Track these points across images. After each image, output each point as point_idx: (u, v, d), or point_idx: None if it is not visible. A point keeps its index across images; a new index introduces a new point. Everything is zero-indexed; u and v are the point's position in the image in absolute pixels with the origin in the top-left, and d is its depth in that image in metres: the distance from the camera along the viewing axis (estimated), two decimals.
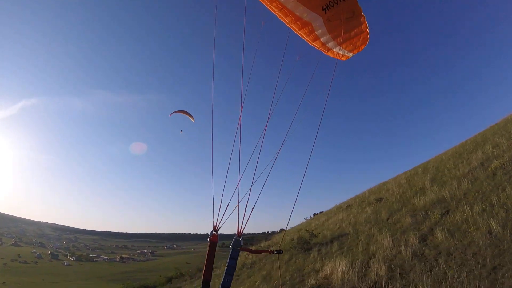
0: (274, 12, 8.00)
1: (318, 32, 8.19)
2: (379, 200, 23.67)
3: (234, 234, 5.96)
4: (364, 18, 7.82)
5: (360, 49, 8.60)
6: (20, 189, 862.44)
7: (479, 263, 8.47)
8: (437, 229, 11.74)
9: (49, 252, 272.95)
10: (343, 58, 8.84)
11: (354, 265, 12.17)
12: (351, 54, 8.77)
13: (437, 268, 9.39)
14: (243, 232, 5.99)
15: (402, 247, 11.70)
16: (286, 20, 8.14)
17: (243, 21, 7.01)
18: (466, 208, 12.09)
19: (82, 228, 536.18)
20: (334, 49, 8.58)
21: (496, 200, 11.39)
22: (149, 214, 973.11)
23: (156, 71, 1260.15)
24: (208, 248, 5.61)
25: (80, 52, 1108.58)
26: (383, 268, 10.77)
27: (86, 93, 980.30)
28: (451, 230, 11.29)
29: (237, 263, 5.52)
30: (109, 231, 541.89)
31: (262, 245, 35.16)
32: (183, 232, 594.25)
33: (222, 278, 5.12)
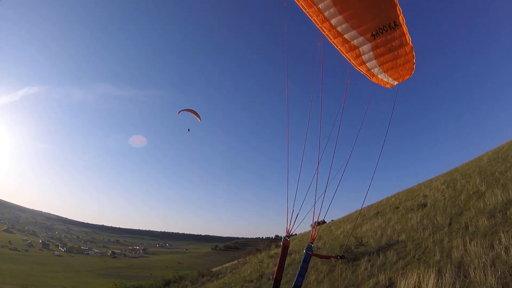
0: (323, 33, 8.22)
1: (365, 57, 8.35)
2: (423, 205, 22.12)
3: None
4: (412, 48, 7.87)
5: (405, 78, 8.72)
6: (16, 175, 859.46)
7: None
8: None
9: (40, 241, 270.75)
10: (387, 86, 9.05)
11: (444, 277, 10.01)
12: (396, 82, 8.91)
13: None
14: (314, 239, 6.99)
15: (498, 250, 10.01)
16: (335, 42, 8.32)
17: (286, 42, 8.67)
18: None
19: (75, 219, 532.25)
20: (379, 76, 8.82)
21: None
22: (143, 211, 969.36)
23: (159, 68, 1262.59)
24: (281, 251, 6.64)
25: (85, 43, 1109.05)
26: (491, 274, 8.83)
27: (88, 84, 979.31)
28: None
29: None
30: (103, 225, 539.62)
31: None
32: (176, 232, 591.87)
33: (295, 278, 6.28)
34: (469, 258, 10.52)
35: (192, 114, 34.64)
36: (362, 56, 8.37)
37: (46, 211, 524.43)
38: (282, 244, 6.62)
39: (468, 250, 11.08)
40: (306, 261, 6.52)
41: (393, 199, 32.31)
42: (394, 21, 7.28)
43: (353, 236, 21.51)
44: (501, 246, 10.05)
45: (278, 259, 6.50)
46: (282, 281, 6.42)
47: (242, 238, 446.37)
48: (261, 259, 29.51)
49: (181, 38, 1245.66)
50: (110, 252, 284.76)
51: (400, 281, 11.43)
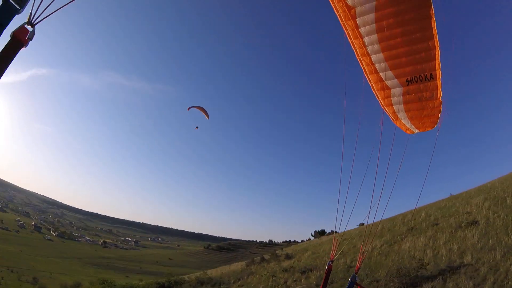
0: (361, 65, 8.46)
1: (394, 99, 8.51)
2: (472, 223, 19.85)
3: None
4: (440, 103, 7.88)
5: (427, 130, 8.89)
6: (15, 155, 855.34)
7: None
8: None
9: (33, 223, 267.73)
10: (408, 132, 9.38)
11: None
12: (417, 131, 9.13)
13: None
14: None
15: None
16: (370, 77, 8.55)
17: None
18: None
19: (70, 205, 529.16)
20: (403, 121, 9.04)
21: None
22: (138, 203, 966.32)
23: (169, 63, 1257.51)
24: (324, 274, 7.60)
25: (97, 30, 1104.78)
26: None
27: (96, 72, 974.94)
28: None
29: None
30: (97, 213, 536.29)
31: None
32: (170, 227, 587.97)
33: None
34: None
35: (201, 112, 34.31)
36: (392, 98, 8.50)
37: (42, 194, 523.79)
38: (327, 268, 7.47)
39: None
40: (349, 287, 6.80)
41: (423, 214, 28.50)
42: (431, 74, 7.39)
43: (411, 257, 18.11)
44: None
45: (322, 282, 7.22)
46: None
47: (235, 239, 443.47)
48: (272, 272, 25.61)
49: (194, 37, 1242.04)
50: (102, 241, 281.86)
51: None
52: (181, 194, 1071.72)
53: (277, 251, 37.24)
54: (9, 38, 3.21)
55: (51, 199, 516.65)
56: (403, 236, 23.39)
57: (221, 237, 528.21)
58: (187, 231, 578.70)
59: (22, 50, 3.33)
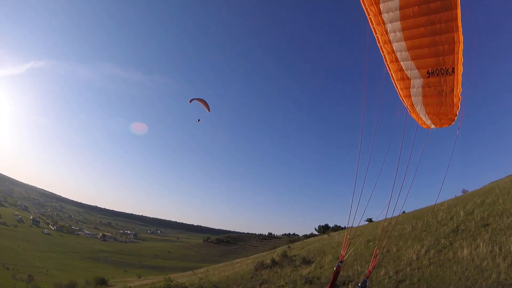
0: (382, 53, 8.24)
1: (413, 91, 8.29)
2: None
3: None
4: (459, 100, 7.63)
5: (443, 126, 8.57)
6: (13, 148, 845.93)
7: None
8: None
9: (31, 217, 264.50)
10: (424, 126, 9.00)
11: None
12: (433, 126, 8.81)
13: None
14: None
15: None
16: (390, 66, 8.33)
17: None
18: None
19: (69, 198, 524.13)
20: (420, 114, 8.71)
21: None
22: (138, 195, 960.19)
23: (168, 54, 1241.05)
24: (332, 276, 7.05)
25: (95, 20, 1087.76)
26: None
27: (94, 63, 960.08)
28: None
29: None
30: (96, 206, 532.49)
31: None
32: (169, 219, 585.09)
33: None
34: None
35: (202, 104, 33.97)
36: (411, 89, 8.28)
37: (41, 187, 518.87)
38: (335, 269, 6.97)
39: None
40: None
41: (460, 212, 24.30)
42: (453, 68, 7.18)
43: (480, 268, 14.47)
44: None
45: (329, 284, 6.88)
46: None
47: (234, 232, 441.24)
48: (291, 283, 21.43)
49: (194, 26, 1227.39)
50: (101, 234, 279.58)
51: None
52: (181, 186, 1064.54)
53: (287, 252, 33.06)
54: None
55: (50, 192, 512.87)
56: (450, 239, 19.26)
57: (220, 229, 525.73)
58: (186, 224, 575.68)
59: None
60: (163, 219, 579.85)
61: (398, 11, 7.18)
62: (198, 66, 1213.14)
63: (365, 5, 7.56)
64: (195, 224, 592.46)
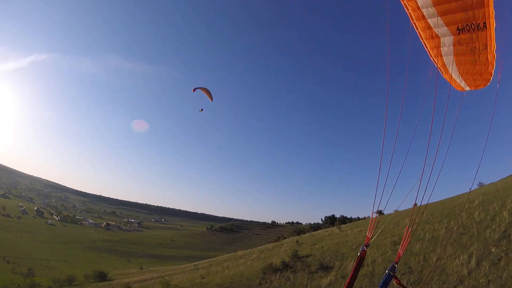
0: (407, 11, 7.52)
1: (443, 50, 7.65)
2: None
3: None
4: (494, 57, 6.91)
5: (478, 88, 7.96)
6: (18, 142, 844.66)
7: None
8: None
9: (35, 208, 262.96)
10: (458, 88, 8.40)
11: None
12: (467, 88, 8.20)
13: None
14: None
15: None
16: (417, 24, 7.65)
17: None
18: None
19: (73, 188, 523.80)
20: (453, 75, 8.08)
21: None
22: (142, 184, 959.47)
23: (172, 44, 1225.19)
24: (356, 263, 5.93)
25: (97, 12, 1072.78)
26: None
27: (98, 55, 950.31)
28: None
29: None
30: (100, 195, 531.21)
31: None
32: (173, 207, 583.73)
33: None
34: None
35: (205, 93, 33.44)
36: (441, 48, 7.56)
37: (46, 178, 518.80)
38: (359, 254, 6.04)
39: None
40: (386, 283, 5.67)
41: (504, 213, 20.18)
42: (484, 22, 6.48)
43: None
44: None
45: (351, 272, 5.85)
46: None
47: (238, 219, 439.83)
48: None
49: (197, 17, 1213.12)
50: (105, 223, 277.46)
51: None
52: (184, 174, 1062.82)
53: (298, 252, 29.07)
54: None
55: (55, 183, 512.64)
56: (504, 248, 15.36)
57: (224, 217, 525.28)
58: (190, 212, 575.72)
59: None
60: (167, 207, 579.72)
61: None
62: (202, 57, 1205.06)
63: None
64: (199, 212, 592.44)
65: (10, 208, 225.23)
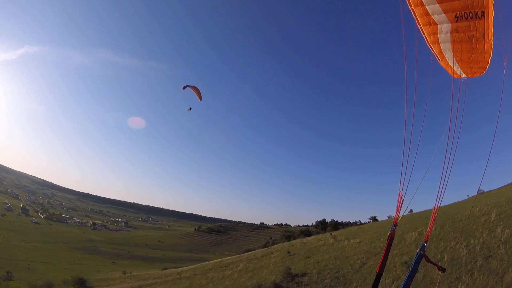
0: (407, 1, 7.38)
1: (441, 37, 7.55)
2: None
3: None
4: (491, 46, 6.83)
5: (474, 75, 7.80)
6: (4, 136, 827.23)
7: None
8: None
9: (21, 205, 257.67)
10: (455, 75, 8.10)
11: None
12: (464, 75, 7.96)
13: None
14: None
15: None
16: (415, 10, 7.46)
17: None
18: None
19: (61, 185, 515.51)
20: (450, 62, 7.94)
21: None
22: (130, 182, 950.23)
23: (164, 40, 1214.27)
24: (387, 242, 6.12)
25: (89, 4, 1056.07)
26: None
27: (89, 48, 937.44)
28: None
29: None
30: (88, 193, 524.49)
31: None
32: (161, 207, 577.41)
33: (404, 281, 5.74)
34: None
35: (194, 92, 32.96)
36: (439, 35, 7.47)
37: (32, 174, 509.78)
38: (389, 234, 6.24)
39: None
40: (417, 262, 5.87)
41: None
42: (483, 11, 6.40)
43: None
44: None
45: (383, 251, 6.03)
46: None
47: (226, 220, 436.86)
48: None
49: (190, 15, 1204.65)
50: (91, 222, 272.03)
51: None
52: (172, 174, 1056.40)
53: (291, 269, 25.53)
54: None
55: (42, 179, 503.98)
56: None
57: (212, 217, 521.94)
58: (178, 211, 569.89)
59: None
60: (155, 206, 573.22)
61: None
62: (191, 54, 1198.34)
63: None
64: (187, 212, 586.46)
65: None
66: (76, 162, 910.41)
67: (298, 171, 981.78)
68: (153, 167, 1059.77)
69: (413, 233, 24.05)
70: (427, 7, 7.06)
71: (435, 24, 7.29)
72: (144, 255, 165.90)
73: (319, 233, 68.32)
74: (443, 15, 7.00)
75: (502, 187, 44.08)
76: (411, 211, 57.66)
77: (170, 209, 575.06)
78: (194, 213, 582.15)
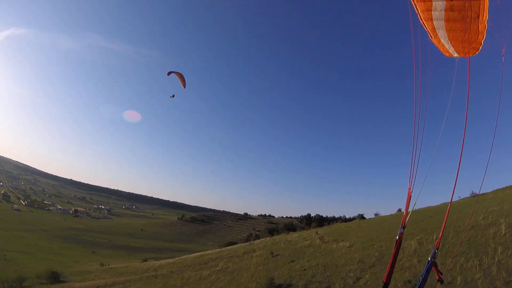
0: None
1: (434, 14, 7.13)
2: None
3: None
4: (485, 28, 6.56)
5: (466, 55, 7.36)
6: None
7: None
8: None
9: (2, 191, 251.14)
10: (446, 54, 7.87)
11: None
12: (456, 55, 7.65)
13: None
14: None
15: None
16: None
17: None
18: None
19: (44, 171, 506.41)
20: (442, 40, 7.58)
21: None
22: (114, 169, 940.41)
23: (154, 26, 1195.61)
24: (395, 248, 5.61)
25: None
26: None
27: (77, 33, 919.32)
28: None
29: None
30: (71, 179, 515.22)
31: None
32: (144, 194, 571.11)
33: None
34: None
35: (179, 79, 32.51)
36: (433, 12, 7.06)
37: (15, 159, 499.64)
38: (398, 238, 5.76)
39: None
40: (428, 271, 5.32)
41: None
42: None
43: None
44: None
45: (391, 259, 5.55)
46: None
47: (210, 209, 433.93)
48: None
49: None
50: (73, 210, 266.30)
51: None
52: (157, 161, 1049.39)
53: (274, 279, 22.69)
54: None
55: (25, 164, 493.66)
56: None
57: (196, 206, 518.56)
58: (162, 199, 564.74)
59: None
60: (139, 194, 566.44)
61: None
62: (183, 42, 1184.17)
63: None
64: (171, 200, 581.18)
65: None
66: (60, 147, 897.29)
67: (284, 162, 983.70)
68: (138, 154, 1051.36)
69: (411, 241, 21.19)
70: None
71: (430, 0, 6.95)
72: (125, 244, 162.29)
73: (303, 228, 65.85)
74: None
75: (498, 190, 41.60)
76: (399, 210, 54.69)
77: (154, 197, 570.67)
78: (178, 201, 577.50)
